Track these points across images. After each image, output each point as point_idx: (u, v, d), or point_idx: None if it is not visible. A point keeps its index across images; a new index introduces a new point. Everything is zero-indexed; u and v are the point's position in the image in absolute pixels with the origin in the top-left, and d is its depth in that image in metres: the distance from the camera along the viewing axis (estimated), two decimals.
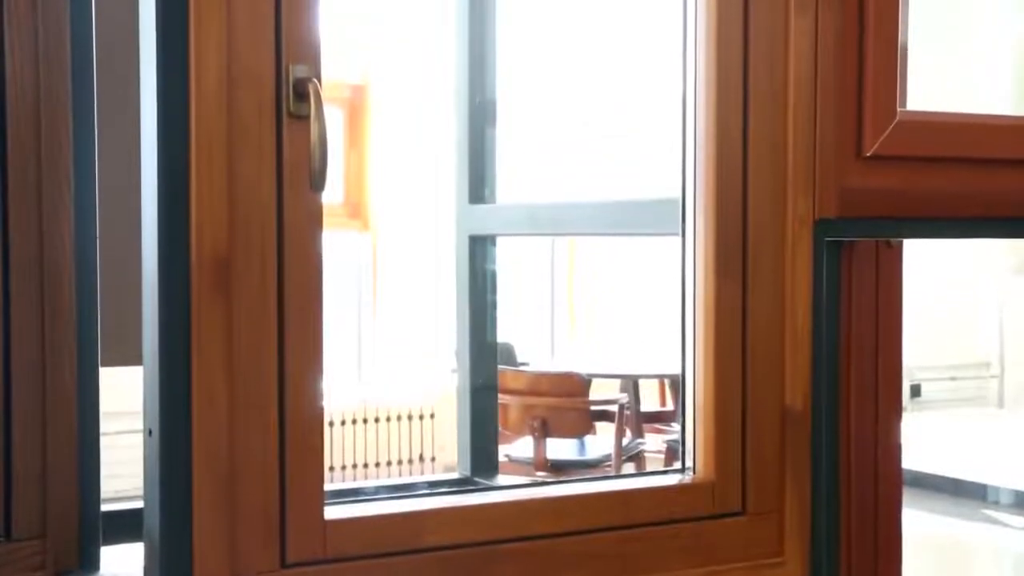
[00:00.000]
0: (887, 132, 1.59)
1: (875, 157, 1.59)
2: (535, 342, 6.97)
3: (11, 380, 1.35)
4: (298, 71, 1.26)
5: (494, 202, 2.16)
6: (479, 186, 2.15)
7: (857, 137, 1.59)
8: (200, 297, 1.24)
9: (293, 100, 1.26)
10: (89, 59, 1.36)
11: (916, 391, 8.06)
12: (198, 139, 1.23)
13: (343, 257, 6.92)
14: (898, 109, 1.61)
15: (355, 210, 7.10)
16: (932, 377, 8.10)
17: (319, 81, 1.27)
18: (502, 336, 2.33)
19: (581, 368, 5.41)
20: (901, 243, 1.71)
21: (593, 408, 5.18)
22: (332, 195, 6.44)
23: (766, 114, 1.55)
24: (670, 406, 5.95)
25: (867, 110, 1.58)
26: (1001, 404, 8.40)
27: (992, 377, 8.39)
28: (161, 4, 1.22)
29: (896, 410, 1.72)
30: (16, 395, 1.35)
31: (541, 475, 5.00)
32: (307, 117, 1.26)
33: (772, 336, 1.57)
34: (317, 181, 1.26)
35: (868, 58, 1.58)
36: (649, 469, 5.34)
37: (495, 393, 2.25)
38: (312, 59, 1.28)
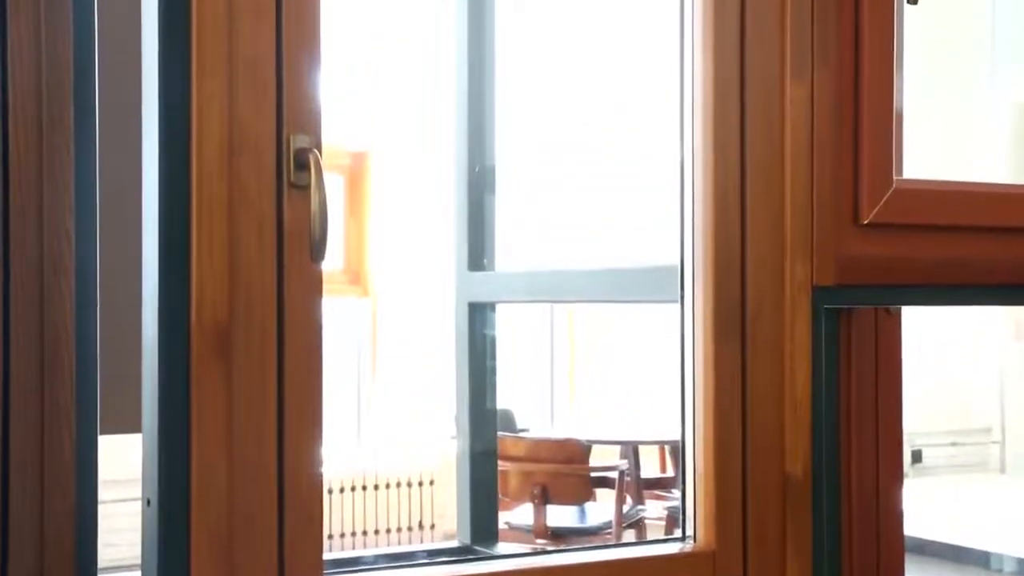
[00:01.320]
0: (883, 200, 1.60)
1: (872, 225, 1.60)
2: (535, 408, 6.95)
3: (9, 446, 1.34)
4: (299, 141, 1.28)
5: (493, 269, 2.17)
6: (478, 253, 2.15)
7: (854, 205, 1.60)
8: (200, 365, 1.24)
9: (294, 170, 1.27)
10: (92, 140, 1.37)
11: (917, 457, 8.02)
12: (199, 208, 1.24)
13: (343, 323, 6.92)
14: (894, 177, 1.62)
15: (355, 276, 7.11)
16: (933, 443, 8.07)
17: (320, 151, 1.28)
18: (502, 402, 2.33)
19: (581, 434, 5.39)
20: (900, 310, 1.71)
21: (593, 474, 5.16)
22: (332, 261, 6.45)
23: (764, 181, 1.56)
24: (670, 472, 5.92)
25: (863, 178, 1.59)
26: (1003, 469, 8.36)
27: (993, 443, 8.36)
28: (164, 72, 1.23)
29: (897, 476, 1.71)
30: (14, 461, 1.34)
31: (541, 543, 4.96)
32: (308, 187, 1.27)
33: (772, 403, 1.57)
34: (317, 251, 1.27)
35: (864, 127, 1.60)
36: (650, 536, 5.30)
37: (495, 460, 2.25)
38: (313, 129, 1.29)
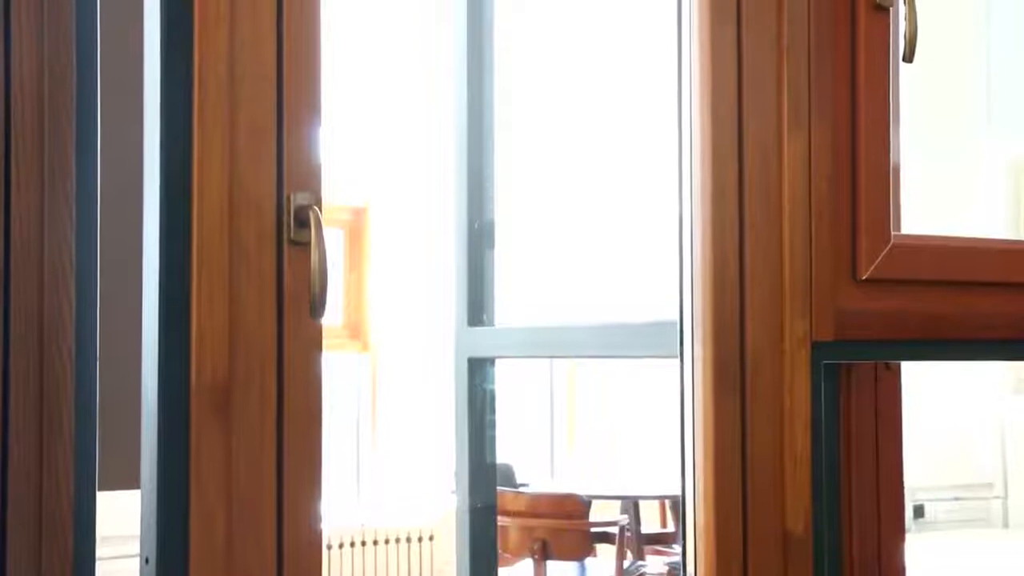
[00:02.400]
0: (881, 256, 1.61)
1: (870, 280, 1.61)
2: (534, 463, 6.92)
3: (8, 500, 1.34)
4: (299, 198, 1.28)
5: (493, 324, 2.17)
6: (478, 309, 2.16)
7: (852, 260, 1.61)
8: (199, 421, 1.24)
9: (294, 227, 1.28)
10: (94, 201, 1.38)
11: (919, 512, 7.97)
12: (199, 266, 1.24)
13: (342, 378, 6.91)
14: (892, 233, 1.62)
15: (355, 331, 7.11)
16: (935, 498, 8.02)
17: (320, 208, 1.29)
18: (501, 457, 2.32)
19: (581, 489, 5.37)
20: (899, 365, 1.72)
21: (594, 530, 5.13)
22: (332, 316, 6.45)
23: (762, 237, 1.57)
24: (671, 527, 5.89)
25: (861, 234, 1.60)
26: (1006, 525, 8.31)
27: (996, 498, 8.31)
28: (165, 132, 1.24)
29: (899, 532, 1.70)
30: (12, 516, 1.34)
31: None
32: (308, 243, 1.27)
33: (772, 458, 1.57)
34: (317, 308, 1.27)
35: (861, 183, 1.61)
36: None
37: (494, 515, 2.24)
38: (313, 186, 1.30)
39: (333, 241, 6.74)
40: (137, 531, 1.28)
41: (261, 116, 1.28)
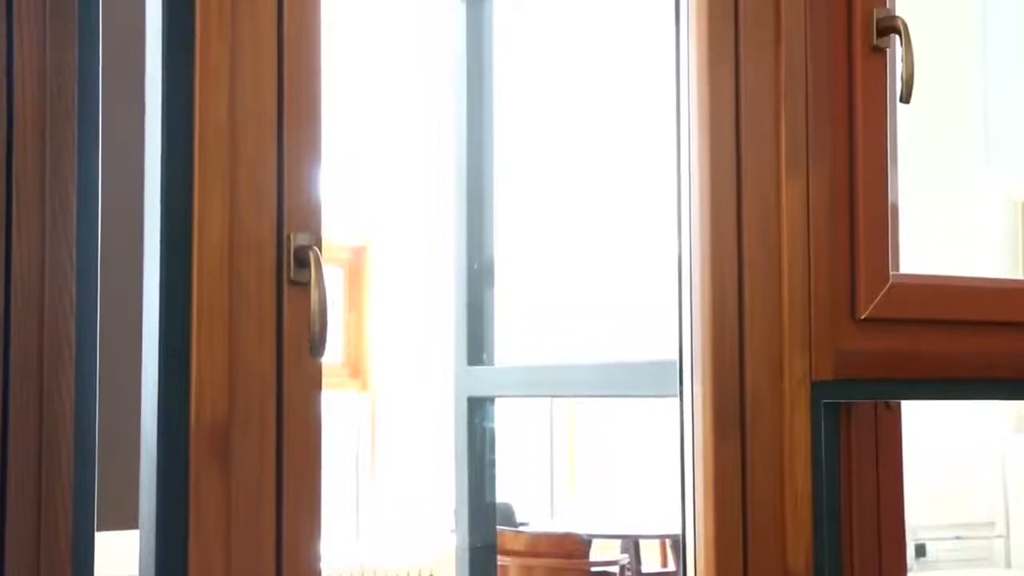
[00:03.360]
0: (880, 296, 1.61)
1: (870, 320, 1.61)
2: (534, 502, 6.90)
3: (5, 542, 1.33)
4: (299, 239, 1.29)
5: (492, 364, 2.18)
6: (478, 348, 2.16)
7: (851, 300, 1.61)
8: (199, 462, 1.24)
9: (294, 267, 1.28)
10: (94, 258, 1.38)
11: (921, 551, 7.94)
12: (199, 305, 1.25)
13: (342, 416, 6.90)
14: (891, 272, 1.63)
15: (354, 370, 7.11)
16: (937, 536, 7.99)
17: (320, 248, 1.30)
18: (501, 496, 2.32)
19: (581, 528, 5.35)
20: (899, 404, 1.71)
21: (594, 569, 5.11)
22: (331, 355, 6.45)
23: (761, 276, 1.57)
24: (672, 567, 5.86)
25: (860, 274, 1.61)
26: (1008, 564, 8.27)
27: (998, 537, 8.28)
28: (166, 171, 1.25)
29: (901, 571, 1.70)
30: (10, 556, 1.33)
31: None
32: (308, 284, 1.28)
33: (772, 497, 1.57)
34: (317, 348, 1.28)
35: (859, 223, 1.61)
36: None
37: (494, 554, 2.23)
38: (313, 227, 1.30)
39: (333, 280, 6.75)
40: (136, 572, 1.27)
41: (261, 157, 1.28)
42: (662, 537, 5.84)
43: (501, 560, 4.70)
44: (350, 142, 6.47)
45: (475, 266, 2.16)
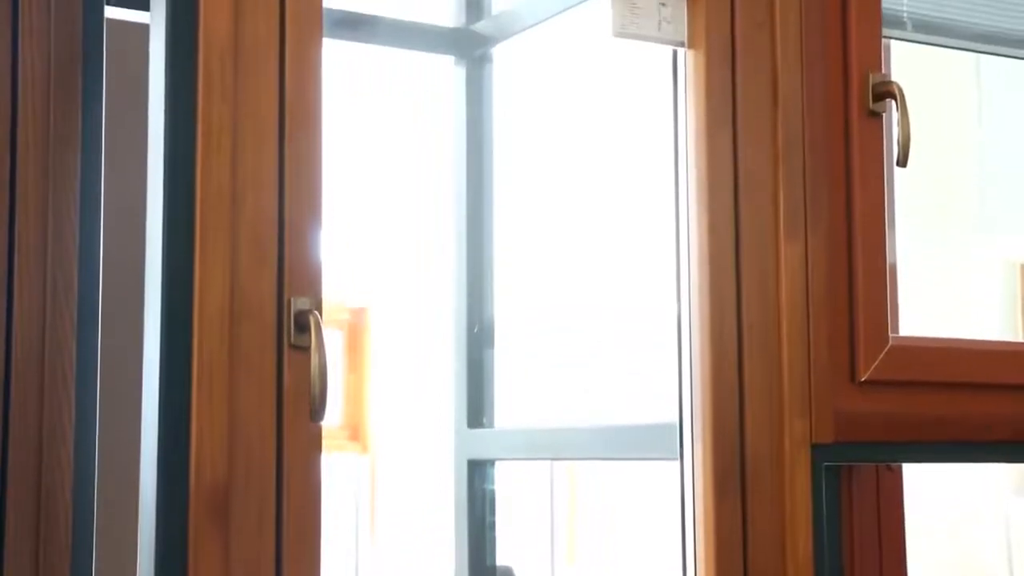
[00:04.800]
0: (880, 358, 1.61)
1: (869, 382, 1.61)
2: (535, 564, 6.85)
3: None
4: (299, 303, 1.29)
5: (492, 426, 2.17)
6: (478, 411, 2.16)
7: (851, 362, 1.61)
8: (198, 527, 1.24)
9: (294, 332, 1.29)
10: (95, 321, 1.39)
11: None
12: (199, 370, 1.25)
13: (341, 479, 6.87)
14: (890, 335, 1.63)
15: (354, 432, 7.09)
16: None
17: (320, 312, 1.30)
18: (501, 559, 2.31)
19: None
20: (901, 466, 1.71)
21: None
22: (331, 417, 6.42)
23: (760, 339, 1.58)
24: None
25: (859, 336, 1.61)
26: None
27: None
28: (166, 238, 1.25)
29: None
30: None
31: None
32: (308, 348, 1.28)
33: (773, 561, 1.56)
34: (317, 412, 1.28)
35: (858, 285, 1.62)
36: None
37: None
38: (314, 291, 1.31)
39: (333, 342, 6.74)
40: None
41: (262, 221, 1.29)
42: None
43: None
44: (351, 204, 6.50)
45: (475, 329, 2.17)
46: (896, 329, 1.67)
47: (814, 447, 1.58)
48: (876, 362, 1.61)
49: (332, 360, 1.28)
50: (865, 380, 1.61)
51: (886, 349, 1.62)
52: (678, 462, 1.59)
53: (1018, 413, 1.71)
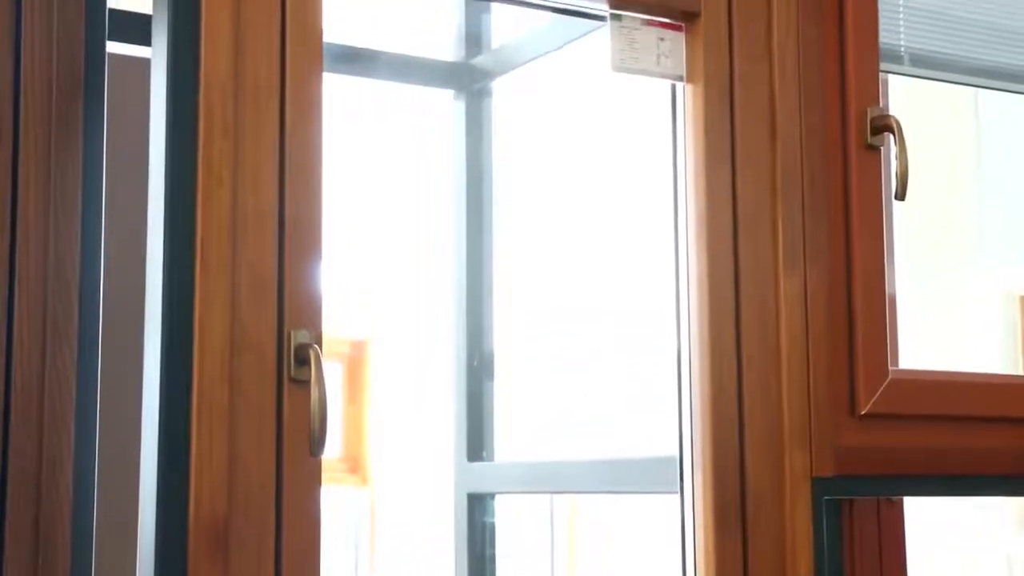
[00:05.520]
0: (879, 392, 1.61)
1: (869, 416, 1.61)
2: None
3: None
4: (299, 337, 1.29)
5: (492, 460, 2.17)
6: (477, 444, 2.16)
7: (850, 396, 1.61)
8: (197, 560, 1.24)
9: (294, 366, 1.29)
10: (95, 358, 1.39)
11: None
12: (199, 402, 1.25)
13: (341, 511, 6.84)
14: (890, 368, 1.63)
15: (354, 464, 7.06)
16: None
17: (320, 345, 1.30)
18: None
19: None
20: (902, 499, 1.71)
21: None
22: (331, 450, 6.40)
23: (760, 373, 1.58)
24: None
25: (859, 370, 1.61)
26: None
27: None
28: (167, 274, 1.26)
29: None
30: None
31: None
32: (308, 382, 1.28)
33: None
34: (316, 446, 1.28)
35: (857, 319, 1.62)
36: None
37: None
38: (313, 325, 1.31)
39: (332, 374, 6.73)
40: None
41: (262, 256, 1.29)
42: None
43: None
44: (351, 236, 6.50)
45: (475, 362, 2.17)
46: (896, 362, 1.66)
47: (814, 480, 1.58)
48: (876, 395, 1.61)
49: (332, 393, 1.28)
50: (865, 413, 1.61)
51: (886, 382, 1.62)
52: (678, 495, 1.58)
53: (1020, 447, 1.71)
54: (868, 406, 1.61)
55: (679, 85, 1.63)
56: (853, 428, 1.61)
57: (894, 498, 1.71)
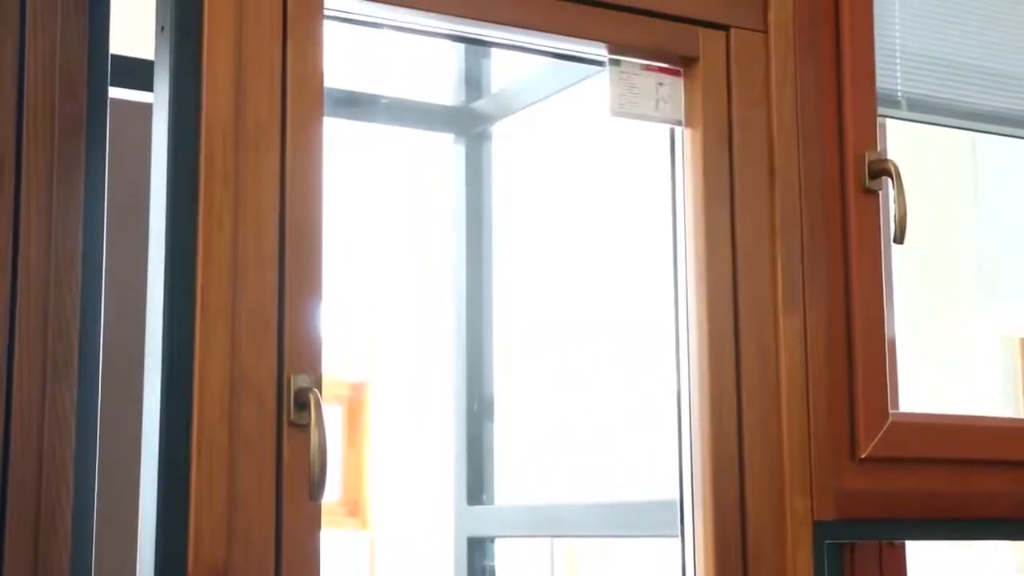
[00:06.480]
0: (880, 435, 1.61)
1: (870, 459, 1.61)
2: None
3: None
4: (299, 381, 1.29)
5: (492, 503, 2.16)
6: (477, 488, 2.15)
7: (851, 439, 1.61)
8: None
9: (294, 410, 1.29)
10: (95, 401, 1.39)
11: None
12: (199, 448, 1.25)
13: (340, 555, 6.81)
14: (890, 411, 1.63)
15: (353, 507, 7.03)
16: None
17: (320, 390, 1.30)
18: None
19: None
20: (904, 542, 1.70)
21: None
22: (330, 493, 6.37)
23: (760, 416, 1.58)
24: None
25: (859, 412, 1.61)
26: None
27: None
28: (167, 318, 1.26)
29: None
30: None
31: None
32: (307, 426, 1.28)
33: None
34: (316, 490, 1.27)
35: (857, 361, 1.62)
36: None
37: None
38: (313, 369, 1.31)
39: (332, 416, 6.71)
40: None
41: (263, 300, 1.29)
42: None
43: None
44: (352, 279, 6.51)
45: (475, 406, 2.16)
46: (896, 405, 1.66)
47: (816, 524, 1.57)
48: (876, 439, 1.61)
49: (331, 435, 1.28)
50: (866, 456, 1.61)
51: (886, 425, 1.62)
52: (679, 539, 1.58)
53: (1021, 490, 1.71)
54: (869, 449, 1.60)
55: (678, 129, 1.64)
56: (854, 471, 1.60)
57: (896, 542, 1.70)
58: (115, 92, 1.55)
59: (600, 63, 1.61)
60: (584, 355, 2.23)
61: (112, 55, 1.52)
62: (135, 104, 1.65)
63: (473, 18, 1.49)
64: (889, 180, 1.65)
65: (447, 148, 2.28)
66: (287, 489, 1.28)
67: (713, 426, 1.55)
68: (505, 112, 2.24)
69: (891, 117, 1.78)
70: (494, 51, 2.23)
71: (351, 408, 7.05)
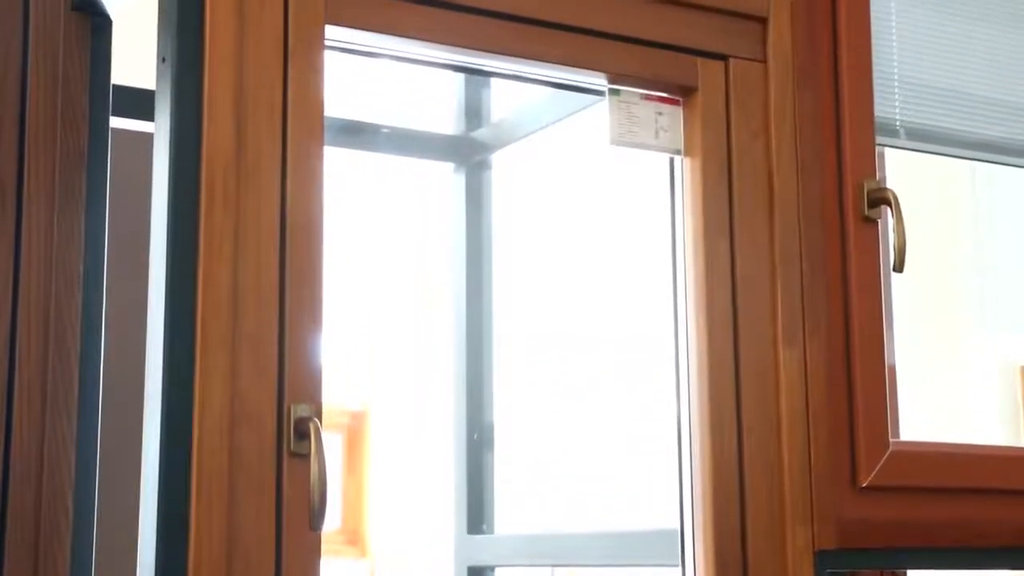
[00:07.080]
0: (881, 464, 1.61)
1: (871, 488, 1.61)
2: None
3: None
4: (299, 410, 1.29)
5: (492, 532, 2.16)
6: (477, 517, 2.15)
7: (852, 468, 1.61)
8: None
9: (294, 439, 1.29)
10: (94, 430, 1.39)
11: None
12: (199, 477, 1.24)
13: None
14: (890, 440, 1.63)
15: (353, 536, 7.00)
16: None
17: (320, 419, 1.30)
18: None
19: None
20: (905, 572, 1.70)
21: None
22: (330, 522, 6.35)
23: (760, 446, 1.57)
24: None
25: (860, 441, 1.61)
26: None
27: None
28: (168, 348, 1.26)
29: None
30: None
31: None
32: (307, 455, 1.28)
33: None
34: (316, 520, 1.27)
35: (857, 390, 1.62)
36: None
37: None
38: (314, 398, 1.31)
39: (332, 445, 6.69)
40: None
41: (263, 329, 1.30)
42: None
43: None
44: (351, 307, 6.50)
45: (475, 436, 2.16)
46: (896, 433, 1.66)
47: (817, 554, 1.57)
48: (877, 467, 1.61)
49: (331, 464, 1.28)
50: (867, 485, 1.60)
51: (887, 454, 1.62)
52: (679, 568, 1.57)
53: (1022, 518, 1.70)
54: (870, 478, 1.60)
55: (677, 159, 1.64)
56: (855, 500, 1.60)
57: (898, 571, 1.70)
58: (116, 122, 1.56)
59: (599, 92, 1.62)
60: (584, 384, 2.23)
61: (113, 85, 1.53)
62: (136, 134, 1.65)
63: (473, 48, 1.50)
64: (888, 209, 1.65)
65: (447, 177, 2.28)
66: (287, 518, 1.28)
67: (714, 455, 1.55)
68: (505, 141, 2.25)
69: (890, 146, 1.79)
70: (494, 81, 2.24)
71: (351, 437, 7.03)
